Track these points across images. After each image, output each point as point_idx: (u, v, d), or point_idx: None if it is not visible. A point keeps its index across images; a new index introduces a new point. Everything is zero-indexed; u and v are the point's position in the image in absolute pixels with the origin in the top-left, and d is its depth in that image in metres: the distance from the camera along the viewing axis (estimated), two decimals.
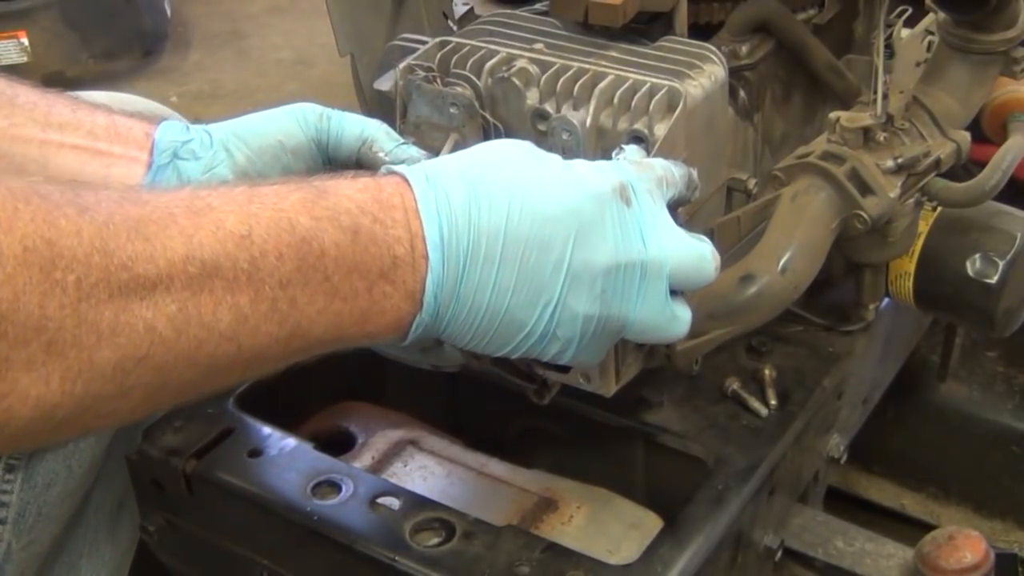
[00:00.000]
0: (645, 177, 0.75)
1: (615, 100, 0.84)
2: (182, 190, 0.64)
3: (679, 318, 0.76)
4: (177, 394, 0.63)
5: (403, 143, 0.87)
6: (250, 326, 0.62)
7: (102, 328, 0.56)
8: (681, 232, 0.74)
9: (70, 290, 0.54)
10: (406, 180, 0.69)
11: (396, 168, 0.71)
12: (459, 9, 1.27)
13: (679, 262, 0.73)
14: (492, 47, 0.90)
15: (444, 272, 0.68)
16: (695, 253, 0.74)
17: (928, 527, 1.17)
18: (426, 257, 0.68)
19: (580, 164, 0.74)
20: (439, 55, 0.90)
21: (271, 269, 0.63)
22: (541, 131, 0.87)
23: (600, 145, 0.85)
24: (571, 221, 0.70)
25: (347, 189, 0.69)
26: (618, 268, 0.71)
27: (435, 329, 0.71)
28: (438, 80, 0.89)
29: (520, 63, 0.88)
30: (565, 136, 0.85)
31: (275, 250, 0.63)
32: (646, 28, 0.93)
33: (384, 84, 0.97)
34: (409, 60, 0.90)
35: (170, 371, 0.59)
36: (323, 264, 0.65)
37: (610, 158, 0.85)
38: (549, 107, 0.86)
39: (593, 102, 0.84)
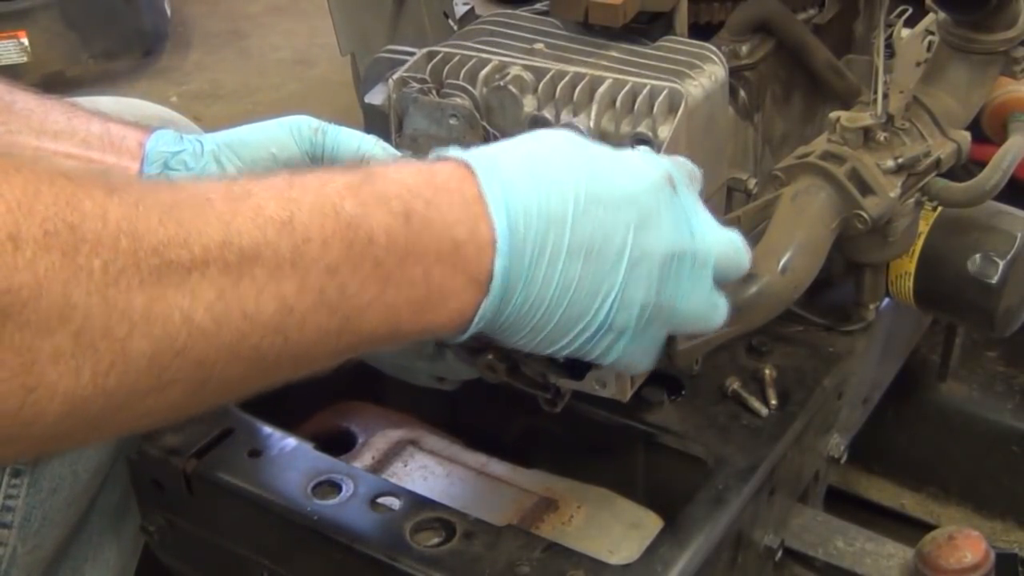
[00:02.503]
0: (681, 169, 0.75)
1: (617, 104, 0.84)
2: (218, 180, 0.61)
3: (720, 307, 0.76)
4: (221, 391, 0.59)
5: (400, 157, 0.87)
6: (296, 317, 0.59)
7: (134, 317, 0.52)
8: (717, 223, 0.74)
9: (96, 276, 0.51)
10: (464, 164, 0.67)
11: (449, 153, 0.68)
12: (459, 9, 1.27)
13: (721, 252, 0.73)
14: (483, 55, 0.89)
15: (511, 259, 0.65)
16: (733, 244, 0.74)
17: (928, 527, 1.17)
18: (493, 243, 0.65)
19: (629, 153, 0.72)
20: (429, 66, 0.90)
21: (316, 256, 0.59)
22: None
23: None
24: (632, 208, 0.68)
25: (396, 173, 0.66)
26: (672, 257, 0.70)
27: (495, 323, 0.68)
28: (434, 92, 0.88)
29: (514, 71, 0.87)
30: None
31: (319, 236, 0.60)
32: (646, 28, 0.93)
33: (375, 98, 0.95)
34: (400, 72, 0.89)
35: (211, 365, 0.56)
36: (372, 250, 0.61)
37: None
38: (547, 113, 0.86)
39: (594, 107, 0.84)
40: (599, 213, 0.67)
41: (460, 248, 0.64)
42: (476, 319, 0.67)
